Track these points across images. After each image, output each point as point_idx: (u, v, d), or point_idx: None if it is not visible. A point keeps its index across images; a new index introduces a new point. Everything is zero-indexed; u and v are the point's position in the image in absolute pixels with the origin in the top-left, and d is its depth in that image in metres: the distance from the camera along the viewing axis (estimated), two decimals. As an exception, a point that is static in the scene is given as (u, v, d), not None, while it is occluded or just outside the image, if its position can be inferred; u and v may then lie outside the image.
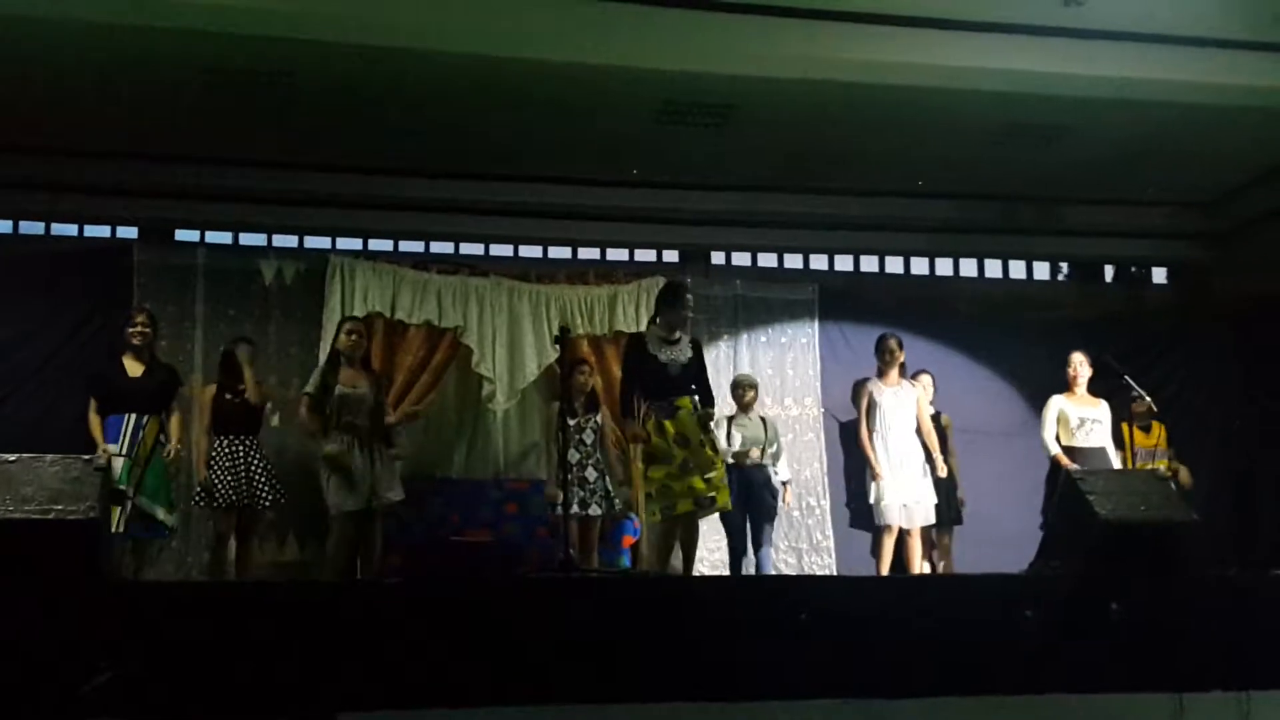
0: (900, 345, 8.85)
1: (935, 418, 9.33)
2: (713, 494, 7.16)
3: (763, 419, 9.26)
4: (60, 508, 5.15)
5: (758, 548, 8.95)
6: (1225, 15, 8.37)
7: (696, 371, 7.43)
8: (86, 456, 5.46)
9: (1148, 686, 5.68)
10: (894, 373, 8.80)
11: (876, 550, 8.82)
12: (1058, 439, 8.89)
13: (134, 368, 7.72)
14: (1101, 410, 9.00)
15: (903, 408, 8.71)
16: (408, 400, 9.56)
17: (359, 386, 7.78)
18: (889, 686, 5.51)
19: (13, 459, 5.33)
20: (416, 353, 9.68)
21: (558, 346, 7.40)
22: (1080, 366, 9.03)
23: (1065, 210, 11.23)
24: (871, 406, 8.77)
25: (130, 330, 7.78)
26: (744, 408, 9.19)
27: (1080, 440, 8.86)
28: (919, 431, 8.85)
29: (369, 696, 5.10)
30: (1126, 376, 8.23)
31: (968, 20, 8.42)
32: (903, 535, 8.60)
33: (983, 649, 5.63)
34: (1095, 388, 9.22)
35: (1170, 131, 9.64)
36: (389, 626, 5.25)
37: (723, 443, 8.57)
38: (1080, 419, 8.91)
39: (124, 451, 7.45)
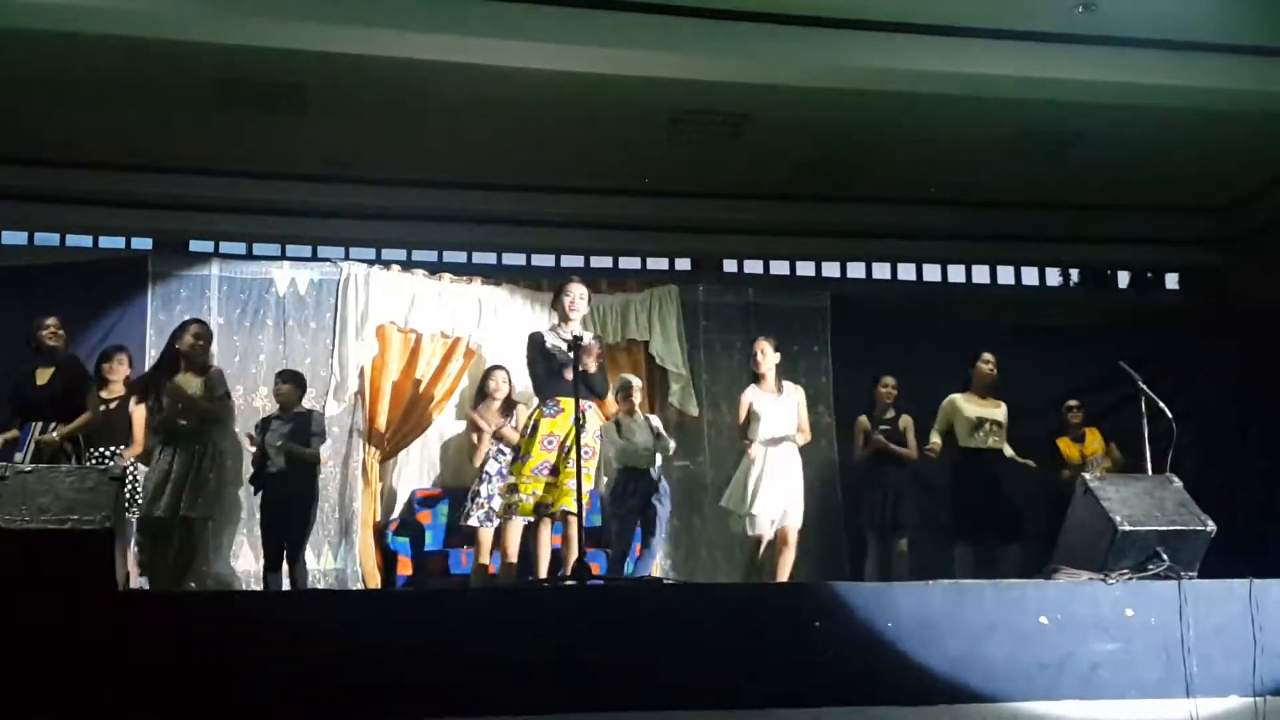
0: (775, 348, 8.51)
1: (894, 420, 9.19)
2: (550, 500, 6.98)
3: (648, 420, 8.83)
4: (76, 518, 5.17)
5: (646, 552, 8.68)
6: (1238, 20, 8.36)
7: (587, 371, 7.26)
8: (102, 466, 5.47)
9: (1161, 692, 5.68)
10: (769, 379, 8.46)
11: (753, 557, 8.49)
12: (956, 438, 8.80)
13: (41, 375, 7.59)
14: (1001, 412, 8.88)
15: (781, 414, 8.40)
16: (421, 409, 9.57)
17: (190, 388, 7.74)
18: (897, 694, 5.51)
19: (29, 470, 5.36)
20: (430, 361, 9.70)
21: (570, 355, 7.39)
22: (986, 365, 8.89)
23: (1078, 216, 11.21)
24: (750, 415, 8.44)
25: (41, 335, 7.62)
26: (630, 411, 8.74)
27: (978, 442, 8.77)
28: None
29: (371, 707, 5.10)
30: (1141, 383, 8.18)
31: (980, 27, 8.42)
32: (779, 543, 8.30)
33: (992, 655, 5.63)
34: (1111, 395, 9.19)
35: (1183, 137, 9.64)
36: (395, 636, 5.26)
37: (611, 446, 8.48)
38: (979, 418, 8.82)
39: (27, 460, 7.25)
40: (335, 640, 5.19)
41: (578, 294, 7.29)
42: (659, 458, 8.63)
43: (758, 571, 8.27)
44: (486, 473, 8.36)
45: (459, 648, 5.23)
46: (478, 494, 8.32)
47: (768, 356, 8.35)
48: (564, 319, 7.25)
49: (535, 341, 7.24)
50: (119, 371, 8.04)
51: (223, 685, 5.01)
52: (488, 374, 8.88)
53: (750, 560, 8.30)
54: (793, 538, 8.19)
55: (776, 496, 8.13)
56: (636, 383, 8.99)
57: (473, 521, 8.26)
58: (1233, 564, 6.34)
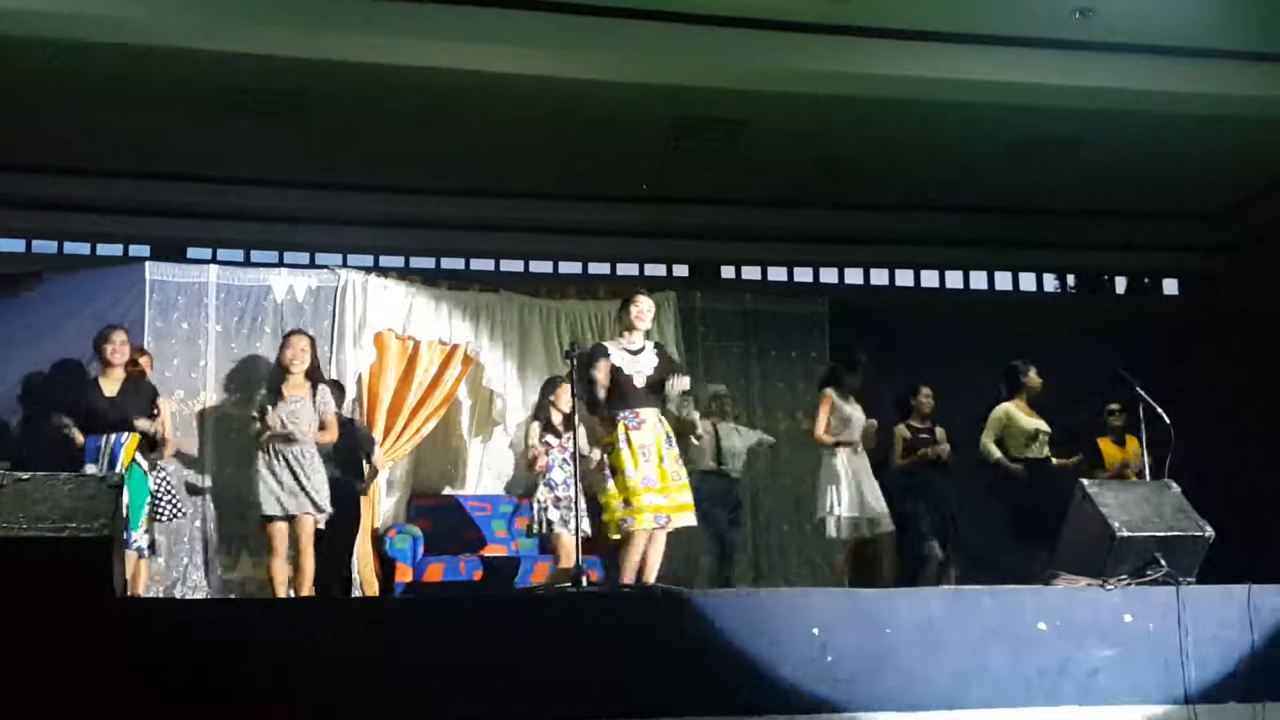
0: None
1: (930, 431, 9.21)
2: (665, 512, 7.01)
3: (736, 430, 9.28)
4: (74, 525, 5.16)
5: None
6: (1236, 27, 8.38)
7: (660, 378, 7.26)
8: (101, 474, 5.46)
9: (1160, 698, 5.68)
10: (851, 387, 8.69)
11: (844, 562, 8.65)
12: (1006, 448, 8.76)
13: (110, 387, 7.62)
14: (1044, 423, 8.90)
15: (857, 418, 8.60)
16: (419, 416, 9.56)
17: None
18: (896, 701, 5.51)
19: (27, 477, 5.34)
20: (428, 368, 9.68)
21: (568, 361, 7.39)
22: (1037, 378, 8.91)
23: (1076, 222, 11.22)
24: (838, 417, 8.62)
25: (107, 348, 7.64)
26: (722, 417, 9.21)
27: (1034, 453, 8.73)
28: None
29: (368, 714, 5.10)
30: (1139, 389, 8.17)
31: (978, 34, 8.44)
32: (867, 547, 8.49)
33: (992, 661, 5.64)
34: (1111, 399, 9.20)
35: (1181, 142, 9.66)
36: (397, 642, 5.26)
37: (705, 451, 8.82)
38: (1036, 430, 8.80)
39: (102, 473, 7.18)
40: (331, 647, 5.19)
41: (646, 306, 7.21)
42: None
43: (846, 578, 8.44)
44: (552, 480, 8.34)
45: (459, 654, 5.23)
46: (542, 501, 8.26)
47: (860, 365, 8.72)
48: (629, 329, 7.20)
49: (601, 354, 7.10)
50: (123, 352, 7.81)
51: (220, 692, 5.01)
52: (556, 387, 8.65)
53: (841, 566, 8.50)
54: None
55: (866, 498, 8.40)
56: (723, 390, 9.37)
57: (557, 529, 8.26)
58: (1231, 570, 6.35)
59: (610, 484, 6.85)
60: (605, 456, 6.97)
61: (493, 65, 8.32)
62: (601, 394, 6.94)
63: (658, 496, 6.81)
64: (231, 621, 5.45)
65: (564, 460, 8.30)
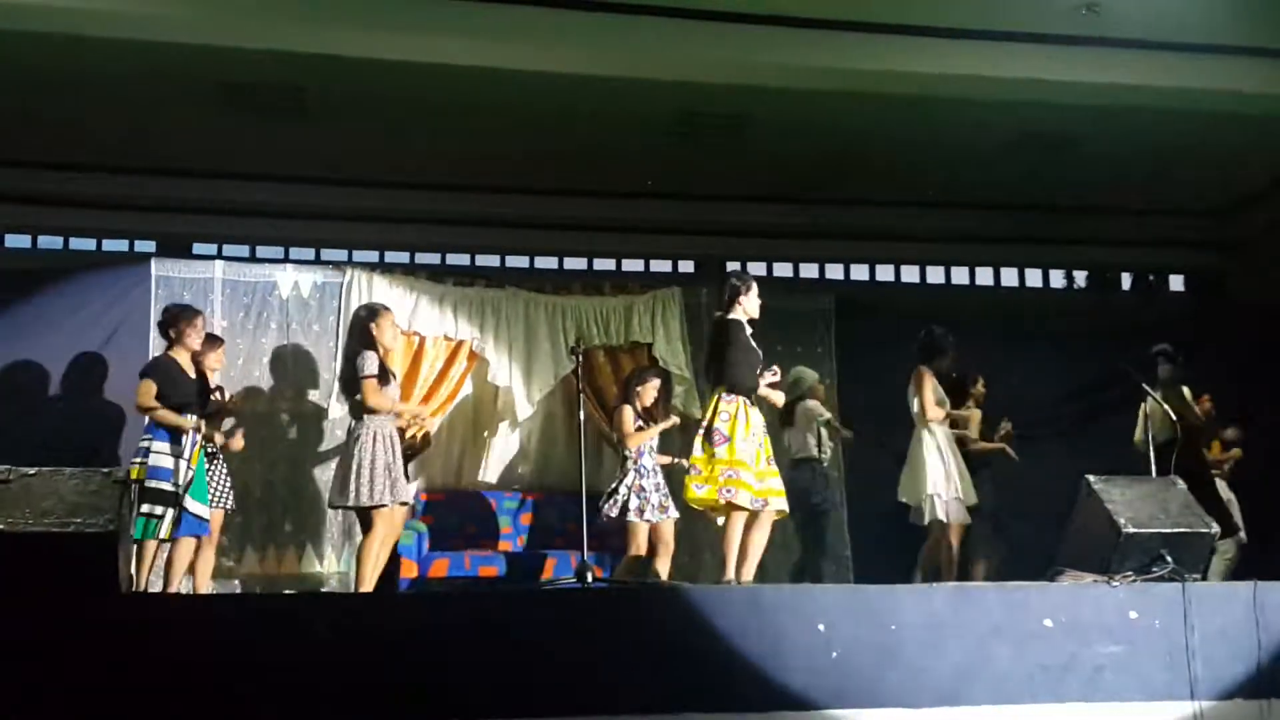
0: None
1: (995, 423, 9.26)
2: (764, 496, 7.05)
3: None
4: (79, 520, 5.16)
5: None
6: (1241, 22, 8.36)
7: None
8: (105, 469, 5.45)
9: (1166, 695, 5.68)
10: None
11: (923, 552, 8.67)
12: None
13: (190, 369, 7.67)
14: None
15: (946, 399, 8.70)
16: (425, 411, 9.57)
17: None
18: (901, 697, 5.50)
19: (32, 472, 5.34)
20: (434, 364, 9.69)
21: (574, 357, 7.41)
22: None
23: (1081, 218, 11.21)
24: (939, 397, 8.65)
25: (190, 331, 7.64)
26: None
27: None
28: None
29: (373, 710, 5.10)
30: (1145, 385, 8.15)
31: (983, 30, 8.42)
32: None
33: (997, 658, 5.63)
34: (1111, 396, 9.18)
35: (1186, 139, 9.64)
36: (402, 638, 5.26)
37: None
38: None
39: (174, 452, 7.39)
40: (336, 642, 5.19)
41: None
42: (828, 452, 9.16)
43: (943, 564, 8.40)
44: (643, 466, 8.36)
45: (462, 650, 5.23)
46: (629, 485, 8.29)
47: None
48: (747, 314, 7.29)
49: (740, 327, 7.20)
50: (201, 336, 7.77)
51: (224, 687, 5.01)
52: (644, 378, 8.75)
53: (933, 549, 8.49)
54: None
55: (956, 479, 8.40)
56: (813, 375, 9.46)
57: (649, 515, 8.28)
58: (1237, 566, 6.34)
59: (720, 450, 6.94)
60: (713, 424, 7.03)
61: (497, 60, 8.31)
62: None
63: (754, 479, 6.92)
64: (237, 617, 5.45)
65: (651, 448, 8.44)
